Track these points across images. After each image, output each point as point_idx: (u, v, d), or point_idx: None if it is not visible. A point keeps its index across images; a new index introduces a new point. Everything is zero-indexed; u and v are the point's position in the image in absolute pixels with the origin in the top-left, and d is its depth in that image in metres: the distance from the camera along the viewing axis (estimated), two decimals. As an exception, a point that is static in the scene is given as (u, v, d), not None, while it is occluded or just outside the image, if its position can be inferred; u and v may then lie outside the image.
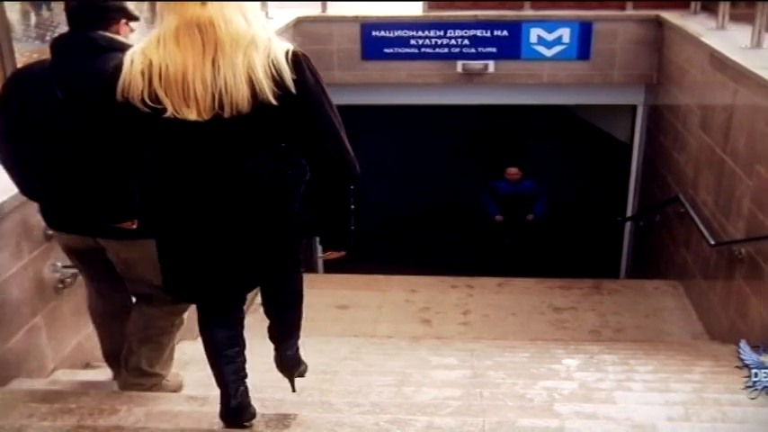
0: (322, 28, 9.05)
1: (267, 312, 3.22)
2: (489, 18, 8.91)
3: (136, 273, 3.32)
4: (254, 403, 3.08)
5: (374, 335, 6.47)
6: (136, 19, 3.28)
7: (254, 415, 3.03)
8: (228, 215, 2.57)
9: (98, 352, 3.85)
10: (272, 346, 3.32)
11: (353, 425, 3.01)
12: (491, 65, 8.95)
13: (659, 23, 8.64)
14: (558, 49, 8.82)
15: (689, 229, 6.99)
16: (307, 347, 5.54)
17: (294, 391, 3.44)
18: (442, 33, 8.88)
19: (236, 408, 2.95)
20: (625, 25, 8.74)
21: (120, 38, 3.12)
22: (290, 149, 2.56)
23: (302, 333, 3.43)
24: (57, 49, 3.13)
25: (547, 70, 8.92)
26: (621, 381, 4.22)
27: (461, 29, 8.85)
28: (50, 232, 3.69)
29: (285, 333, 3.29)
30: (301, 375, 3.44)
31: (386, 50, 9.01)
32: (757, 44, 6.58)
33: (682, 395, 3.81)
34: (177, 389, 3.75)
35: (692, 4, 8.54)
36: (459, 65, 8.96)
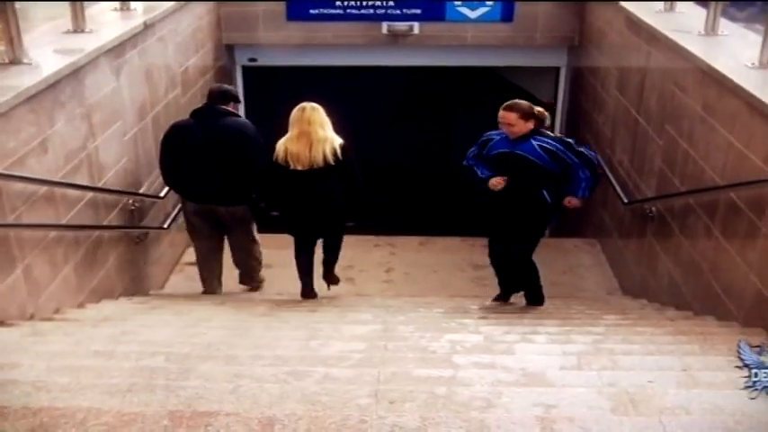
0: (247, -12, 8.95)
1: (325, 250, 6.14)
2: (414, -21, 8.93)
3: (232, 222, 6.13)
4: (161, 356, 3.46)
5: (297, 293, 6.51)
6: (240, 102, 6.35)
7: (316, 295, 6.17)
8: (315, 205, 5.65)
9: None
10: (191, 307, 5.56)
11: (252, 376, 3.06)
12: (416, 26, 8.98)
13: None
14: (482, 10, 8.88)
15: (606, 188, 7.16)
16: (226, 304, 5.62)
17: (330, 288, 6.33)
18: (367, -6, 8.87)
19: (308, 291, 6.11)
20: (547, -13, 8.82)
21: (231, 109, 5.96)
22: (337, 180, 5.54)
23: (225, 290, 6.49)
24: (198, 113, 5.93)
25: (471, 32, 8.97)
26: (526, 334, 4.34)
27: (386, -10, 8.85)
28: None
29: (330, 263, 6.20)
30: (336, 284, 6.34)
31: (311, 11, 8.98)
32: (671, 8, 6.73)
33: (579, 346, 3.94)
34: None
35: (613, -32, 8.64)
36: (385, 26, 8.98)
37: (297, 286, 6.06)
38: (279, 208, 5.79)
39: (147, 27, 6.26)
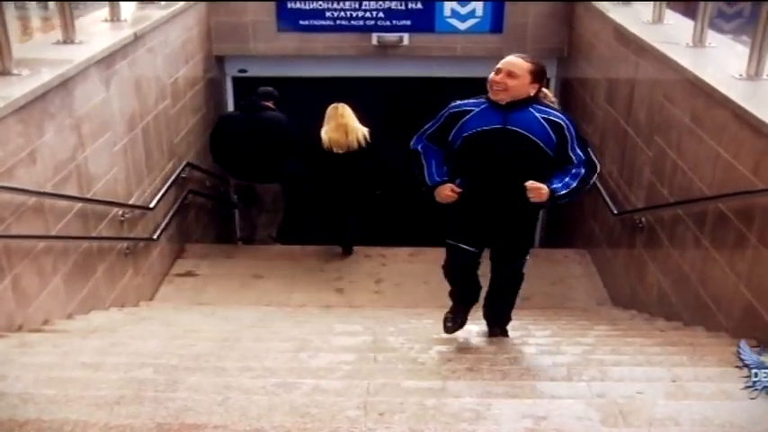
0: (236, -1, 8.97)
1: (353, 224, 7.63)
2: (404, -10, 8.97)
3: (267, 193, 7.86)
4: (149, 367, 3.51)
5: (288, 304, 6.52)
6: (278, 99, 7.73)
7: (350, 252, 7.80)
8: (350, 179, 7.14)
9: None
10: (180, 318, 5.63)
11: (241, 388, 3.05)
12: (406, 37, 9.01)
13: (574, -6, 8.80)
14: (471, 22, 8.91)
15: (596, 199, 7.18)
16: (216, 315, 5.61)
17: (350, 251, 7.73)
18: (357, 5, 8.91)
19: (344, 250, 7.80)
20: (536, -1, 8.86)
21: (270, 105, 7.57)
22: (368, 161, 7.07)
23: (214, 303, 6.47)
24: (243, 105, 7.67)
25: (461, 43, 9.00)
26: (516, 345, 4.34)
27: (376, 1, 8.89)
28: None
29: (356, 232, 7.70)
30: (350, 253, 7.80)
31: (301, 22, 8.99)
32: (659, 19, 6.77)
33: (569, 357, 3.94)
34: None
35: (602, -21, 8.69)
36: (375, 37, 9.01)
37: (286, 297, 6.07)
38: (319, 183, 7.38)
39: (137, 38, 6.26)
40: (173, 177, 7.16)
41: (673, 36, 6.16)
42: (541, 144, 3.87)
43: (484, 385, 3.18)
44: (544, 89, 4.15)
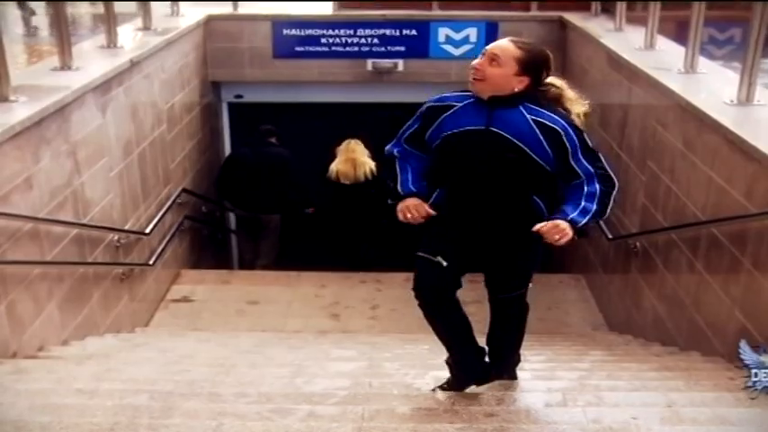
0: (233, 26, 9.05)
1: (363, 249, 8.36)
2: (398, 17, 9.07)
3: (270, 225, 8.38)
4: (144, 394, 3.40)
5: (283, 330, 6.51)
6: (280, 136, 8.35)
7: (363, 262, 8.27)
8: (357, 207, 7.92)
9: None
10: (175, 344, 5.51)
11: (236, 414, 3.05)
12: (400, 63, 9.08)
13: (562, 24, 8.87)
14: (465, 48, 8.99)
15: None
16: (212, 341, 5.60)
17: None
18: (352, 32, 8.98)
19: (357, 261, 8.37)
20: (530, 26, 8.92)
21: (274, 141, 8.23)
22: (374, 188, 7.69)
23: (210, 328, 6.50)
24: (251, 142, 8.20)
25: (455, 69, 9.05)
26: (511, 370, 4.33)
27: (371, 28, 8.97)
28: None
29: (368, 256, 8.36)
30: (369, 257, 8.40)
31: (297, 49, 9.06)
32: (650, 45, 6.83)
33: (565, 382, 3.94)
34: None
35: (593, 6, 8.79)
36: (369, 63, 9.07)
37: (282, 323, 6.07)
38: (327, 212, 8.21)
39: (134, 64, 6.30)
40: (168, 203, 7.18)
41: (665, 62, 6.21)
42: (528, 151, 3.13)
43: (480, 411, 3.18)
44: (554, 80, 3.37)
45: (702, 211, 4.87)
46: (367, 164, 7.90)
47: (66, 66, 5.65)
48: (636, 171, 6.24)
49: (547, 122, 3.15)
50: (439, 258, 3.28)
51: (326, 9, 9.33)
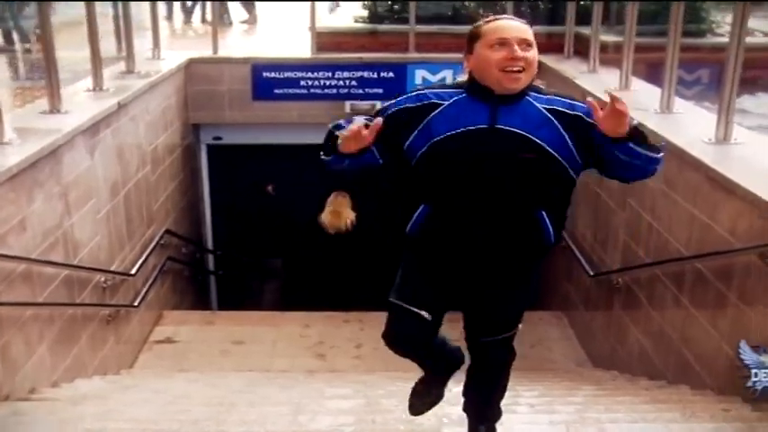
0: (213, 69, 9.12)
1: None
2: (375, 60, 9.20)
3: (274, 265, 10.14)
4: None
5: (270, 369, 6.51)
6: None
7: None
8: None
9: None
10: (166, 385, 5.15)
11: (250, 452, 3.06)
12: (378, 105, 9.09)
13: (538, 66, 9.03)
14: (443, 89, 9.12)
15: (570, 261, 7.30)
16: (201, 381, 5.58)
17: None
18: (330, 74, 9.10)
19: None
20: (505, 68, 9.07)
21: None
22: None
23: (195, 369, 5.94)
24: None
25: (432, 110, 9.19)
26: (508, 404, 4.35)
27: (349, 70, 9.11)
28: None
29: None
30: None
31: (276, 91, 9.14)
32: (625, 86, 7.01)
33: (565, 416, 4.00)
34: None
35: (565, 49, 8.98)
36: (348, 105, 9.17)
37: (268, 363, 6.08)
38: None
39: (121, 107, 6.34)
40: (153, 244, 7.18)
41: (641, 102, 6.36)
42: (549, 149, 2.60)
43: (487, 444, 3.21)
44: None
45: (686, 246, 4.98)
46: (348, 217, 8.17)
47: (55, 109, 5.67)
48: (615, 209, 6.37)
49: (564, 109, 2.64)
50: (423, 313, 2.85)
51: (305, 52, 9.44)
